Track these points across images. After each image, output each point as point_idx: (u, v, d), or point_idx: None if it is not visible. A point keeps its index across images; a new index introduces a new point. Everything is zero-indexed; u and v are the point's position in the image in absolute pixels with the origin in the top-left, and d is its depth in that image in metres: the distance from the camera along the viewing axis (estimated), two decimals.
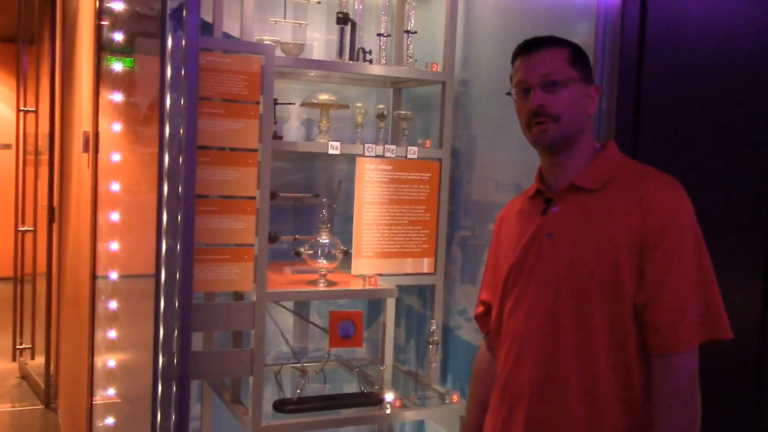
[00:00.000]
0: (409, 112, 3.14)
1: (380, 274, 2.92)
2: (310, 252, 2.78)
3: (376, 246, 2.94)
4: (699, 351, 1.53)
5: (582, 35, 2.25)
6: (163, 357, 2.27)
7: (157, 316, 2.28)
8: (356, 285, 2.82)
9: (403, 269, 3.01)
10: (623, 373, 1.55)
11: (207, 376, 2.80)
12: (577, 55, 1.67)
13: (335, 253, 2.79)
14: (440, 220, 3.04)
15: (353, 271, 2.91)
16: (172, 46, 2.20)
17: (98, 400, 3.28)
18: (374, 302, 3.44)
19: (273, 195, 2.70)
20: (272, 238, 2.78)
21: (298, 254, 2.82)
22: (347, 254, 2.85)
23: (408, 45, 3.08)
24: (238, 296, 2.79)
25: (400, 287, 2.90)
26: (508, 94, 1.72)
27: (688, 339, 1.51)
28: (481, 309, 1.92)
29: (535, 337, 1.63)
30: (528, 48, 1.67)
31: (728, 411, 2.29)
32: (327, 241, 2.80)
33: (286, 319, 3.33)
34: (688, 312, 1.51)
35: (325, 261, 2.78)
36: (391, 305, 2.83)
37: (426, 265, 3.05)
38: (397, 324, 3.21)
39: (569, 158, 1.66)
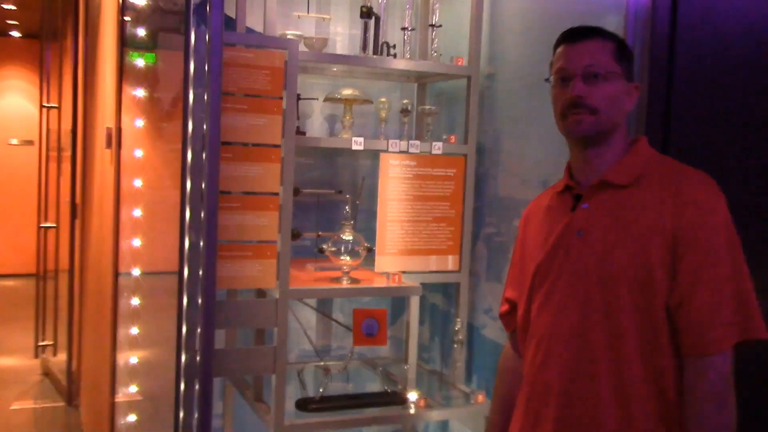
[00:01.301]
0: (433, 107, 3.13)
1: (404, 272, 2.92)
2: (333, 249, 2.79)
3: (400, 243, 2.94)
4: (735, 352, 1.51)
5: (611, 28, 2.22)
6: (185, 354, 2.29)
7: (180, 313, 2.29)
8: (380, 282, 2.82)
9: (428, 267, 3.01)
10: (655, 374, 1.54)
11: (229, 374, 2.81)
12: (622, 50, 1.65)
13: (358, 250, 2.80)
14: (465, 216, 3.03)
15: (377, 269, 2.91)
16: (195, 41, 2.22)
17: (120, 397, 3.31)
18: (398, 300, 3.44)
19: (296, 191, 2.71)
20: (295, 235, 2.79)
21: (321, 251, 2.83)
22: (371, 251, 2.85)
23: (433, 39, 3.07)
24: (261, 293, 2.80)
25: (424, 285, 2.90)
26: (547, 80, 1.70)
27: (722, 339, 1.49)
28: (506, 307, 1.91)
29: (562, 338, 1.62)
30: (573, 36, 1.65)
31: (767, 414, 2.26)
32: (350, 238, 2.80)
33: (309, 317, 3.34)
34: (721, 312, 1.49)
35: (348, 258, 2.79)
36: (415, 303, 2.83)
37: (451, 262, 3.04)
38: (421, 322, 3.21)
39: (601, 154, 1.65)
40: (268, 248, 2.50)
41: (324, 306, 3.40)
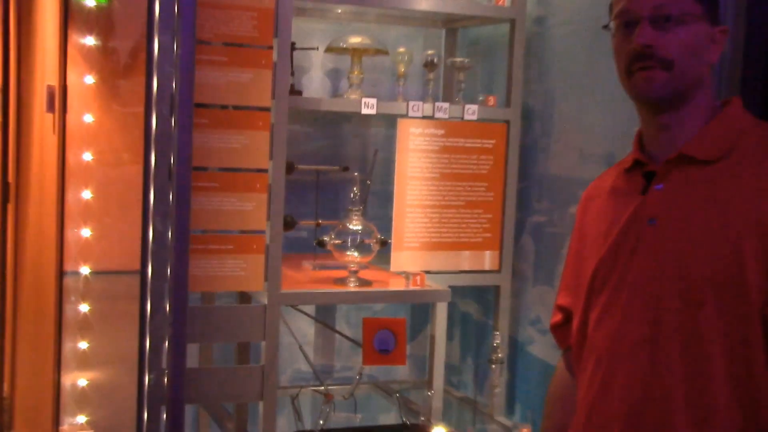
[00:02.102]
0: (466, 60, 3.13)
1: (428, 272, 2.94)
2: (338, 242, 2.80)
3: (423, 235, 2.95)
4: None
5: None
6: (149, 375, 2.32)
7: (143, 322, 2.32)
8: (397, 285, 2.84)
9: (458, 265, 3.02)
10: (747, 403, 1.54)
11: (205, 400, 2.84)
12: None
13: (370, 244, 2.81)
14: (507, 201, 3.04)
15: (393, 267, 2.93)
16: None
17: (66, 429, 3.35)
18: (420, 308, 3.46)
19: (290, 167, 2.73)
20: (289, 224, 2.81)
21: (321, 244, 2.84)
22: (385, 245, 2.87)
23: None
24: (245, 298, 2.83)
25: (453, 288, 2.91)
26: (605, 27, 1.71)
27: None
28: (559, 317, 1.92)
29: (628, 356, 1.63)
30: None
31: None
32: (359, 227, 2.82)
33: (306, 329, 3.37)
34: None
35: (356, 253, 2.80)
36: (442, 312, 2.84)
37: (488, 260, 3.05)
38: (449, 336, 3.23)
39: (680, 119, 1.65)
40: (255, 240, 2.52)
41: (325, 315, 3.42)
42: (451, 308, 3.10)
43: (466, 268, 3.04)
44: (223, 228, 2.50)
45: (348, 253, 2.81)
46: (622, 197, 1.74)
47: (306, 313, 3.27)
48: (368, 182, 3.00)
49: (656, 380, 1.59)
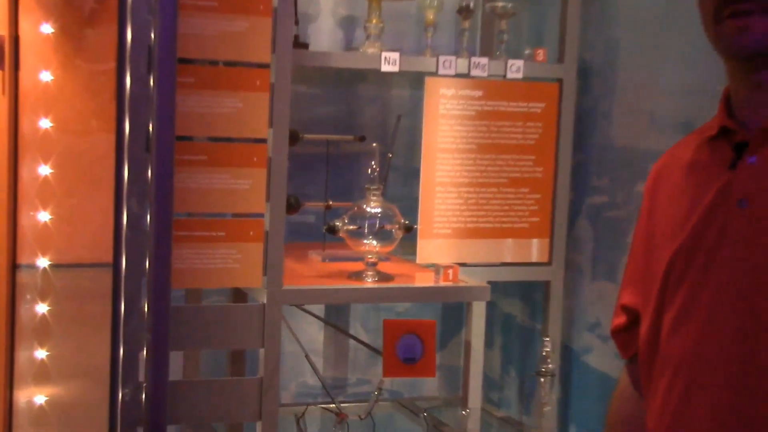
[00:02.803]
0: (509, 4, 3.12)
1: (462, 264, 2.94)
2: (352, 228, 2.81)
3: (457, 219, 2.95)
4: None
5: None
6: (124, 390, 2.33)
7: (116, 326, 2.33)
8: (424, 280, 2.84)
9: (499, 256, 3.02)
10: None
11: (191, 420, 2.86)
12: None
13: (391, 230, 2.81)
14: (559, 178, 3.03)
15: (419, 259, 2.93)
16: None
17: None
18: (453, 308, 3.46)
19: (294, 137, 2.73)
20: (293, 206, 2.81)
21: (332, 231, 2.85)
22: (410, 232, 2.87)
23: None
24: (240, 296, 2.84)
25: (494, 285, 2.91)
26: None
27: None
28: (622, 320, 1.92)
29: (715, 366, 1.63)
30: None
31: None
32: (378, 210, 2.82)
33: (313, 334, 3.38)
34: None
35: (375, 242, 2.81)
36: (479, 313, 2.84)
37: (536, 250, 3.05)
38: (488, 344, 3.23)
39: None
40: (251, 226, 2.53)
41: (337, 316, 3.43)
42: (491, 309, 3.11)
43: (509, 259, 3.04)
44: (213, 211, 2.50)
45: (365, 241, 2.81)
46: (705, 173, 1.73)
47: (314, 315, 3.28)
48: (389, 155, 3.00)
49: (751, 394, 1.59)
